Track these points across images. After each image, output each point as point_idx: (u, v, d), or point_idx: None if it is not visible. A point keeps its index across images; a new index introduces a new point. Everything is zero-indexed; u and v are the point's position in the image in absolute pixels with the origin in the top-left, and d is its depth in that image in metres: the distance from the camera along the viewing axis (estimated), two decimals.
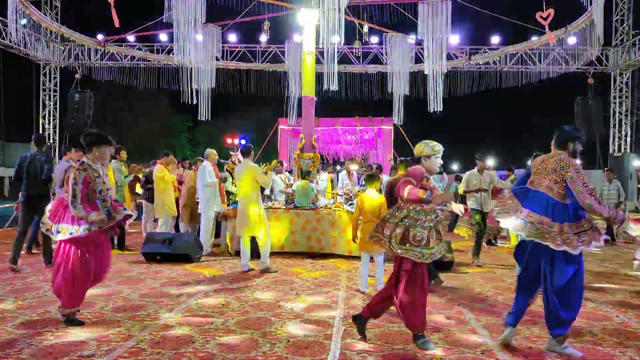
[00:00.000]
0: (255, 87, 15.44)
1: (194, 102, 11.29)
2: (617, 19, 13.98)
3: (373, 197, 5.70)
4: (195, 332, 3.94)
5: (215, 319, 4.32)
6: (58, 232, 4.01)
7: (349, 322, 4.32)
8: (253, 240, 6.80)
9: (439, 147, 3.78)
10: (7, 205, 10.87)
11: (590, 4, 9.42)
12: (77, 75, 14.54)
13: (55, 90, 15.14)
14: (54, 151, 14.57)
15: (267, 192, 9.10)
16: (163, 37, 13.70)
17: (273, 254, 7.42)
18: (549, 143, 3.85)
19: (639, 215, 11.93)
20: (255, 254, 6.77)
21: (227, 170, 9.18)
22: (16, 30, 11.05)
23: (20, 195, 6.79)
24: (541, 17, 9.21)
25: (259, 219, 6.69)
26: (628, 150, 13.88)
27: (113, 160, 8.17)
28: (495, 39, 13.50)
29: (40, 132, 14.60)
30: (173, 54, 10.80)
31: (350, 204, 8.52)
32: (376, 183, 5.87)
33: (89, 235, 3.99)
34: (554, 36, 10.24)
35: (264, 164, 8.17)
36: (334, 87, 9.64)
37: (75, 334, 3.83)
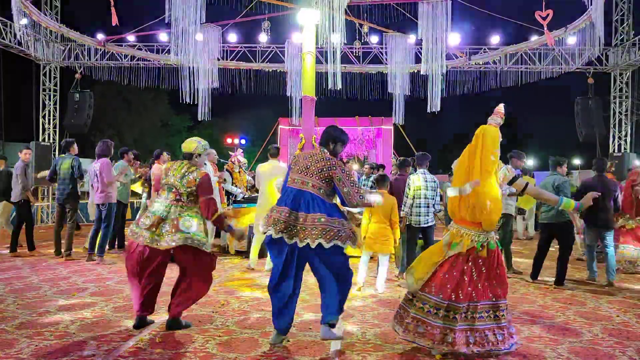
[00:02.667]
0: (255, 87, 15.43)
1: (194, 102, 11.28)
2: (617, 19, 13.95)
3: (384, 198, 5.71)
4: (195, 332, 3.94)
5: (215, 319, 4.32)
6: None
7: (349, 322, 4.33)
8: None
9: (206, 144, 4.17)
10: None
11: (590, 3, 9.41)
12: (77, 75, 14.48)
13: (55, 90, 15.09)
14: (54, 151, 14.55)
15: None
16: (163, 37, 13.69)
17: None
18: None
19: None
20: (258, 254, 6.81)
21: (226, 170, 9.17)
22: (17, 30, 11.04)
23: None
24: (540, 16, 9.20)
25: None
26: (628, 150, 13.85)
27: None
28: (495, 39, 13.48)
29: (41, 132, 14.59)
30: (173, 54, 10.79)
31: None
32: (387, 184, 5.89)
33: None
34: (553, 38, 10.22)
35: None
36: (338, 86, 9.63)
37: (76, 334, 3.84)
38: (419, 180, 6.03)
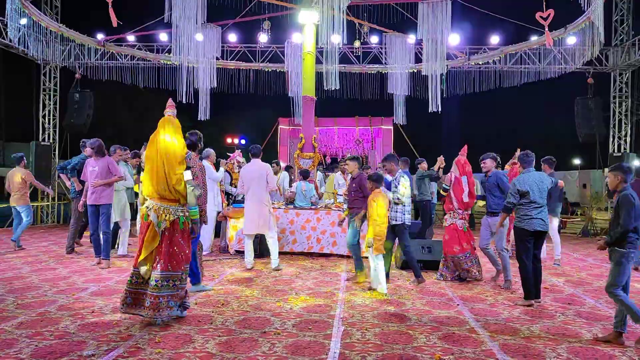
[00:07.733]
0: (255, 87, 15.43)
1: (193, 102, 11.29)
2: (617, 19, 13.94)
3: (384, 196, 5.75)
4: (195, 332, 3.94)
5: (215, 319, 4.32)
6: None
7: (349, 322, 4.33)
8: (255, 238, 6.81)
9: None
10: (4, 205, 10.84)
11: (590, 4, 9.41)
12: (77, 75, 14.47)
13: (55, 90, 15.08)
14: (53, 151, 14.55)
15: None
16: (163, 37, 13.69)
17: None
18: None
19: None
20: (256, 254, 6.81)
21: (225, 171, 9.17)
22: (17, 30, 11.04)
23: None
24: (541, 17, 9.20)
25: (269, 219, 6.73)
26: (628, 150, 13.85)
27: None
28: (495, 39, 13.48)
29: (41, 132, 14.59)
30: (173, 53, 10.80)
31: None
32: (382, 182, 5.99)
33: None
34: (551, 38, 10.22)
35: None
36: (335, 86, 9.65)
37: (75, 334, 3.84)
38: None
